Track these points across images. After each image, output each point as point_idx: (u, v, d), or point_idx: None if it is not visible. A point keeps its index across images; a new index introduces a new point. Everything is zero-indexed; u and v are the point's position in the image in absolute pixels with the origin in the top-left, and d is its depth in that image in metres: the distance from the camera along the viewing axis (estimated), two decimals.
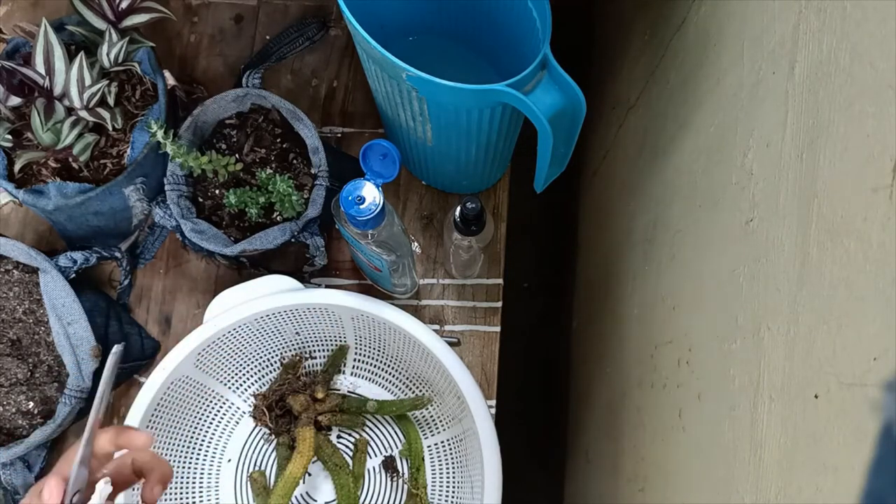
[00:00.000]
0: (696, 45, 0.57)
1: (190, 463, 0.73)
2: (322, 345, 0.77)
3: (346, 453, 0.75)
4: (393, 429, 0.76)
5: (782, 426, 0.37)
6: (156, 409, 0.68)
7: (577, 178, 1.11)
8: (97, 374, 0.70)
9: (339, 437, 0.76)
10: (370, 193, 0.57)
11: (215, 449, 0.75)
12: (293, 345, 0.76)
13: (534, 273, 1.31)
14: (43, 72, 0.66)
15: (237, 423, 0.76)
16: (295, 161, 0.74)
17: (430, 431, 0.75)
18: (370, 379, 0.77)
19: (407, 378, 0.76)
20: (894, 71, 0.30)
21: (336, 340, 0.76)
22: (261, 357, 0.76)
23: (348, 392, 0.77)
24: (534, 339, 1.28)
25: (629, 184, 0.76)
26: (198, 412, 0.74)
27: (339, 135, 0.84)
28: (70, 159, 0.71)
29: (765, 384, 0.39)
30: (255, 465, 0.76)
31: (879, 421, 0.29)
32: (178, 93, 0.80)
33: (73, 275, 0.71)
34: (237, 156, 0.73)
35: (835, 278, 0.33)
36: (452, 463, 0.73)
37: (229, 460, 0.75)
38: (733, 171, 0.47)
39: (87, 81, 0.67)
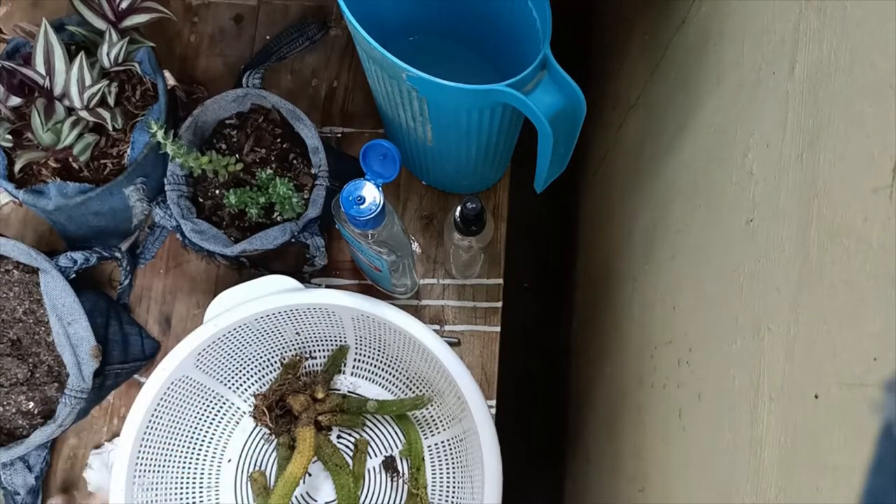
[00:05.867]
0: (697, 45, 0.57)
1: (190, 463, 0.73)
2: (322, 345, 0.77)
3: (347, 453, 0.75)
4: (393, 429, 0.76)
5: (782, 426, 0.37)
6: (156, 410, 0.68)
7: (577, 178, 1.11)
8: (97, 375, 0.70)
9: (339, 437, 0.76)
10: (370, 193, 0.57)
11: (215, 449, 0.75)
12: (293, 345, 0.76)
13: (534, 273, 1.31)
14: (43, 72, 0.66)
15: (237, 423, 0.76)
16: (295, 161, 0.74)
17: (431, 431, 0.75)
18: (370, 379, 0.77)
19: (407, 378, 0.76)
20: (894, 71, 0.30)
21: (336, 340, 0.76)
22: (261, 357, 0.76)
23: (348, 392, 0.77)
24: (534, 339, 1.28)
25: (629, 184, 0.76)
26: (198, 412, 0.74)
27: (339, 135, 0.84)
28: (70, 159, 0.71)
29: (765, 384, 0.39)
30: (255, 465, 0.76)
31: (879, 421, 0.29)
32: (178, 93, 0.80)
33: (74, 275, 0.71)
34: (237, 156, 0.73)
35: (835, 278, 0.33)
36: (452, 463, 0.73)
37: (229, 460, 0.75)
38: (733, 171, 0.47)
39: (88, 81, 0.67)
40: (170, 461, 0.71)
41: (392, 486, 0.75)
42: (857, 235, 0.32)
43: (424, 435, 0.75)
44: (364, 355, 0.77)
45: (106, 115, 0.69)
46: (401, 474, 0.75)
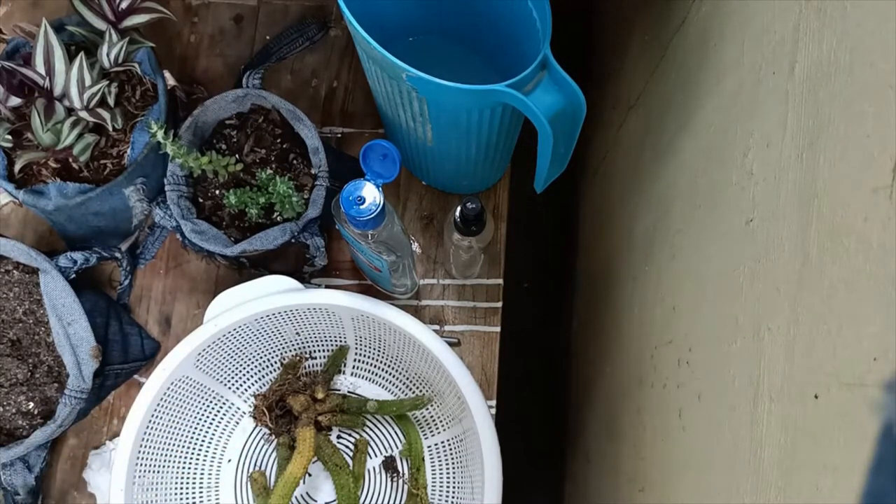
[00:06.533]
0: (696, 45, 0.57)
1: (190, 463, 0.73)
2: (322, 345, 0.77)
3: (347, 453, 0.75)
4: (393, 429, 0.76)
5: (782, 426, 0.37)
6: (156, 410, 0.68)
7: (577, 178, 1.11)
8: (97, 375, 0.70)
9: (339, 437, 0.76)
10: (370, 194, 0.57)
11: (215, 449, 0.75)
12: (293, 345, 0.76)
13: (534, 273, 1.31)
14: (43, 72, 0.66)
15: (237, 423, 0.76)
16: (295, 161, 0.74)
17: (431, 431, 0.75)
18: (370, 379, 0.77)
19: (407, 378, 0.76)
20: (894, 71, 0.30)
21: (336, 341, 0.76)
22: (261, 357, 0.76)
23: (348, 392, 0.77)
24: (534, 339, 1.28)
25: (629, 184, 0.76)
26: (198, 412, 0.74)
27: (339, 135, 0.84)
28: (70, 159, 0.71)
29: (765, 384, 0.39)
30: (255, 465, 0.76)
31: (879, 421, 0.29)
32: (178, 93, 0.80)
33: (73, 275, 0.71)
34: (237, 156, 0.73)
35: (835, 278, 0.33)
36: (452, 463, 0.73)
37: (229, 460, 0.75)
38: (733, 171, 0.47)
39: (87, 82, 0.67)
40: (170, 461, 0.71)
41: (392, 487, 0.75)
42: (857, 235, 0.32)
43: (424, 435, 0.75)
44: (364, 355, 0.77)
45: (106, 115, 0.69)
46: (401, 474, 0.75)
